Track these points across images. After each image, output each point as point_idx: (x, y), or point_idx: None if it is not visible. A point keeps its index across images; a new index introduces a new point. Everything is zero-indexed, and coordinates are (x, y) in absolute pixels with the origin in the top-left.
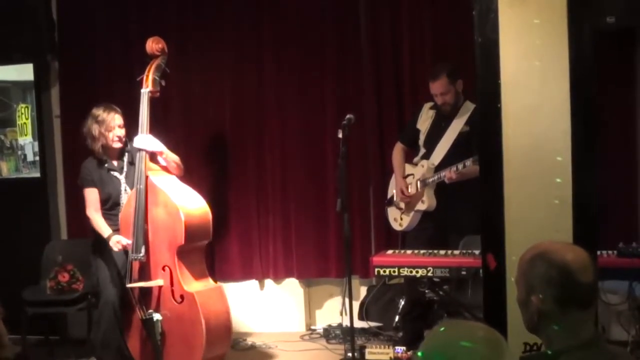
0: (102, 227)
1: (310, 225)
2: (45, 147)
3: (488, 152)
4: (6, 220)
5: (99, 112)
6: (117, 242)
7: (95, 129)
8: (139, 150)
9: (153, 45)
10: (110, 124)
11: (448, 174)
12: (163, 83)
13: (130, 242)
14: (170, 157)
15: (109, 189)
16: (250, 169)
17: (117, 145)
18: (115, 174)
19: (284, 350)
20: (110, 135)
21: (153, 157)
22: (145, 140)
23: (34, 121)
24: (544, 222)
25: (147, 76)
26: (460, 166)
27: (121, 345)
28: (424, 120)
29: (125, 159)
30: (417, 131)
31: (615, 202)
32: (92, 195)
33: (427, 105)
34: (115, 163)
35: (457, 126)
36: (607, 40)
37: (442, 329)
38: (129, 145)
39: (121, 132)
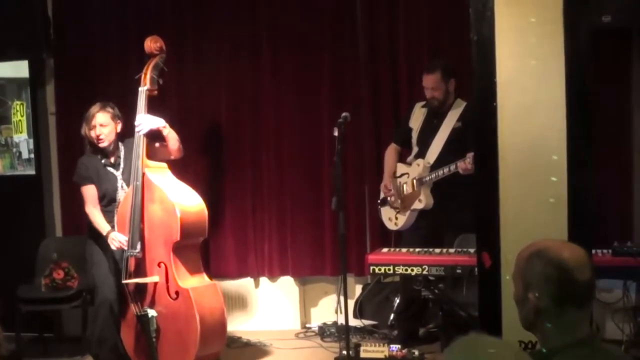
0: (101, 223)
1: (306, 223)
2: (40, 144)
3: (484, 150)
4: (1, 218)
5: (89, 110)
6: (113, 239)
7: (83, 127)
8: (141, 134)
9: (151, 44)
10: (90, 122)
11: (463, 165)
12: (161, 81)
13: (127, 238)
14: (172, 134)
15: (105, 185)
16: (246, 166)
17: (103, 144)
18: (112, 170)
19: (279, 348)
20: (92, 133)
21: (150, 152)
22: (144, 120)
23: (29, 118)
24: (539, 221)
25: (145, 74)
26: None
27: (117, 343)
28: (416, 118)
29: (122, 154)
30: (409, 130)
31: (610, 201)
32: (89, 192)
33: (419, 104)
34: (112, 159)
35: (449, 123)
36: (603, 40)
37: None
38: (120, 146)
39: (102, 130)
